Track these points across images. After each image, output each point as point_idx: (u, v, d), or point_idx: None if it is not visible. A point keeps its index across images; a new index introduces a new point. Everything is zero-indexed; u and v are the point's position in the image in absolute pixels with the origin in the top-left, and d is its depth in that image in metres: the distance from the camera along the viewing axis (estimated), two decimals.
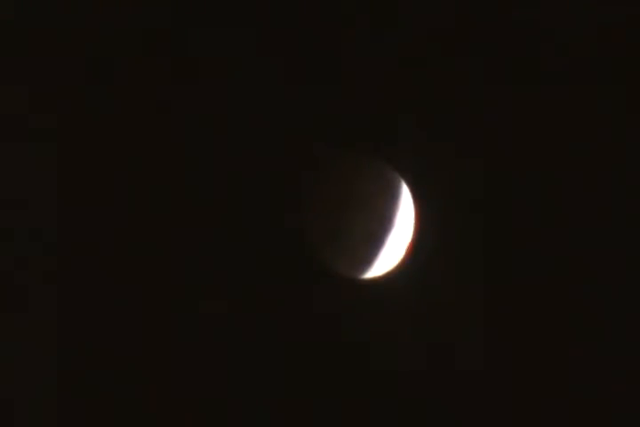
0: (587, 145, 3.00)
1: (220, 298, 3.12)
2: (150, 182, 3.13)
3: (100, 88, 3.11)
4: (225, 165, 3.11)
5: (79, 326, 3.11)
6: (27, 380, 3.09)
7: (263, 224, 3.10)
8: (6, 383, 3.08)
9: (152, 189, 3.13)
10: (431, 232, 3.01)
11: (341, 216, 2.97)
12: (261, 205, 3.10)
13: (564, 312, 2.98)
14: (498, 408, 3.00)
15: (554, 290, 3.00)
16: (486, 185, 3.03)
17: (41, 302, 3.10)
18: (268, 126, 3.09)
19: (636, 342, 2.93)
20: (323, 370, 3.07)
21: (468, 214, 3.02)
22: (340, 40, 3.05)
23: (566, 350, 2.95)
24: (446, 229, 3.02)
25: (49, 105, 3.12)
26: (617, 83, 3.00)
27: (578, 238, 2.99)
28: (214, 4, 3.07)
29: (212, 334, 3.11)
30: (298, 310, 3.07)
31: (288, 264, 3.10)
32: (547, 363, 2.97)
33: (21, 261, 3.11)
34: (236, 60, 3.10)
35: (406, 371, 3.04)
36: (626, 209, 2.99)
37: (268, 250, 3.11)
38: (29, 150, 3.11)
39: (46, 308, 3.10)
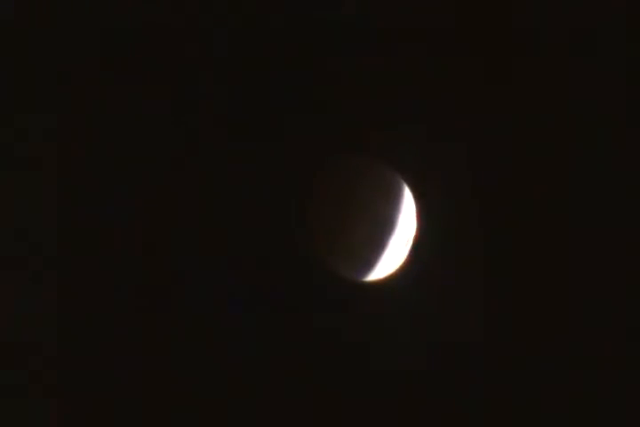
0: (588, 144, 3.00)
1: (220, 298, 3.12)
2: (150, 182, 3.13)
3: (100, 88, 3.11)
4: (225, 166, 3.11)
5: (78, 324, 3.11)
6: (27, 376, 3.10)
7: (264, 225, 3.10)
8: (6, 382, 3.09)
9: (152, 189, 3.13)
10: (433, 233, 3.01)
11: (342, 218, 2.97)
12: (262, 206, 3.10)
13: (565, 313, 2.99)
14: (497, 409, 3.01)
15: (555, 290, 3.00)
16: (487, 185, 3.03)
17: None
18: (268, 127, 3.09)
19: None
20: (323, 371, 3.08)
21: (470, 215, 3.03)
22: (341, 40, 3.04)
23: (567, 349, 2.97)
24: (448, 230, 3.02)
25: None
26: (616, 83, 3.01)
27: (580, 238, 3.00)
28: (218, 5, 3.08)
29: (212, 333, 3.11)
30: (298, 311, 3.08)
31: (289, 266, 3.10)
32: (549, 362, 2.98)
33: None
34: (236, 59, 3.09)
35: (407, 372, 3.04)
36: (628, 209, 2.99)
37: (269, 251, 3.11)
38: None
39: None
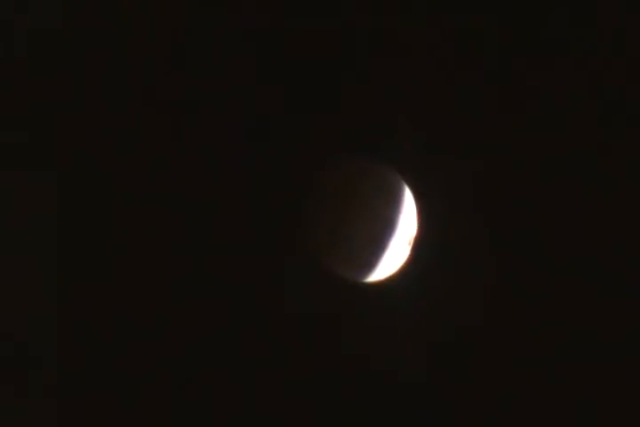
0: (588, 144, 3.01)
1: (221, 298, 3.12)
2: (151, 182, 3.13)
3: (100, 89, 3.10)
4: (226, 167, 3.11)
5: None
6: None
7: (265, 226, 3.10)
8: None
9: (152, 188, 3.13)
10: (433, 233, 3.01)
11: (342, 218, 2.97)
12: (263, 207, 3.10)
13: (564, 313, 2.99)
14: (498, 409, 3.02)
15: (555, 290, 3.01)
16: (487, 185, 3.03)
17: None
18: (270, 128, 3.09)
19: None
20: (323, 371, 3.08)
21: (470, 215, 3.03)
22: (341, 41, 3.04)
23: (568, 349, 2.97)
24: (448, 230, 3.02)
25: None
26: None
27: (580, 238, 3.00)
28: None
29: (213, 333, 3.11)
30: (298, 312, 3.08)
31: (289, 266, 3.10)
32: (549, 362, 2.98)
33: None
34: (238, 60, 3.09)
35: (407, 371, 3.05)
36: (626, 209, 3.00)
37: (269, 251, 3.11)
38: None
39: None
